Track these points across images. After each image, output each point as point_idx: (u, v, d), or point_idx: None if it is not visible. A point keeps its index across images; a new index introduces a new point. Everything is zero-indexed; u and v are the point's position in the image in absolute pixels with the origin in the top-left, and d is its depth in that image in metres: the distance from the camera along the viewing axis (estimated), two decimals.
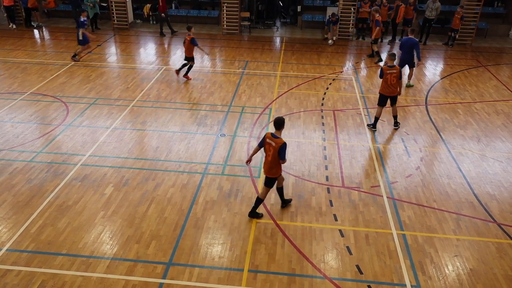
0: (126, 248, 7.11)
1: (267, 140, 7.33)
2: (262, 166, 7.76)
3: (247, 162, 7.78)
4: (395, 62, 11.11)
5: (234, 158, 9.72)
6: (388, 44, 18.82)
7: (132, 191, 8.54)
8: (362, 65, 16.13)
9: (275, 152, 7.17)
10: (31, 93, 12.75)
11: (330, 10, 19.04)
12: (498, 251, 7.30)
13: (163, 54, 16.87)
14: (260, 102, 12.56)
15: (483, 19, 19.57)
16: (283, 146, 7.11)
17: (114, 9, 19.70)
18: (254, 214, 7.86)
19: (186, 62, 13.86)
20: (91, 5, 18.73)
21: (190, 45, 13.31)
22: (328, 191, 8.68)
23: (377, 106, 11.06)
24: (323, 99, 12.89)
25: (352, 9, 18.94)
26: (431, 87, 14.12)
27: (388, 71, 10.49)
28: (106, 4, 20.23)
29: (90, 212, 7.92)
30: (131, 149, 9.96)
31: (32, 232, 7.40)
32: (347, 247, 7.26)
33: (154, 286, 6.42)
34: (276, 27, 21.17)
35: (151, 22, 21.10)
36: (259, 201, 7.75)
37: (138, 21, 21.25)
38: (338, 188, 8.79)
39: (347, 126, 11.30)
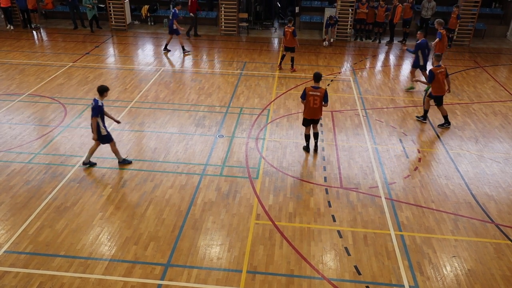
0: (125, 250, 7.11)
1: (310, 92, 9.34)
2: (306, 114, 9.63)
3: None
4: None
5: (232, 159, 9.73)
6: (386, 45, 18.84)
7: (130, 192, 8.54)
8: (360, 66, 16.14)
9: (321, 99, 9.34)
10: (29, 94, 12.73)
11: (328, 11, 19.04)
12: (496, 251, 7.31)
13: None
14: (258, 103, 12.57)
15: (480, 20, 19.62)
16: (326, 92, 9.40)
17: (112, 10, 19.69)
18: (316, 147, 10.08)
19: (292, 57, 15.11)
20: (90, 6, 18.72)
21: (291, 36, 14.39)
22: (327, 192, 8.68)
23: (430, 100, 11.55)
24: None
25: (350, 10, 18.96)
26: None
27: (438, 71, 11.04)
28: (104, 5, 20.23)
29: (88, 214, 7.91)
30: (129, 150, 9.95)
31: (30, 234, 7.39)
32: (346, 248, 7.27)
33: None
34: (274, 28, 21.19)
35: (149, 23, 21.09)
36: (316, 135, 9.97)
37: (136, 22, 21.23)
38: (336, 189, 8.80)
39: (345, 127, 11.31)
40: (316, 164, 9.62)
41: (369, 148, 10.34)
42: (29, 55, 16.23)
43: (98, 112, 8.74)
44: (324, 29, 18.73)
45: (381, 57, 17.41)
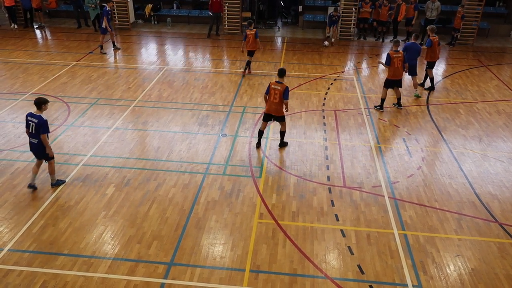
0: (128, 248, 7.12)
1: (272, 86, 9.41)
2: (268, 109, 9.61)
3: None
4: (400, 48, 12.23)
5: (235, 158, 9.73)
6: (390, 43, 18.78)
7: (133, 191, 8.55)
8: (364, 65, 16.11)
9: (280, 94, 9.30)
10: (32, 93, 12.76)
11: (331, 10, 19.01)
12: (499, 251, 7.29)
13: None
14: (261, 102, 12.55)
15: (484, 19, 19.55)
16: (287, 88, 9.33)
17: (115, 9, 19.71)
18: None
19: (249, 60, 14.63)
20: (92, 6, 18.72)
21: (254, 39, 14.07)
22: (330, 191, 8.68)
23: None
24: (324, 99, 12.89)
25: (353, 9, 18.93)
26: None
27: (395, 55, 11.69)
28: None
29: (92, 212, 7.92)
30: (132, 149, 9.97)
31: (34, 232, 7.41)
32: (349, 247, 7.26)
33: (155, 286, 6.42)
34: (277, 27, 21.18)
35: (152, 22, 21.12)
36: (281, 133, 9.97)
37: (140, 21, 21.26)
38: (339, 188, 8.79)
39: (348, 126, 11.30)
40: (319, 163, 9.61)
41: (372, 147, 10.32)
42: (32, 54, 16.28)
43: (47, 127, 8.01)
44: (327, 28, 18.69)
45: (384, 56, 17.33)
